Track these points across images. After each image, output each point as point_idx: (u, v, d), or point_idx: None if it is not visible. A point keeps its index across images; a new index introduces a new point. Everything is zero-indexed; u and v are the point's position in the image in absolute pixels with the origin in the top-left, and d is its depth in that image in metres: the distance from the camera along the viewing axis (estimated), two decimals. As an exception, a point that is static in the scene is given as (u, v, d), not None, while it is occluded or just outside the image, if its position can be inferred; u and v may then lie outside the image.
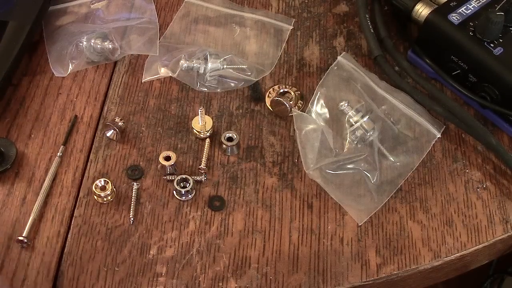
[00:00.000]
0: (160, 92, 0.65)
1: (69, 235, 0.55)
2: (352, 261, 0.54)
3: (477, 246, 0.55)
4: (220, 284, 0.53)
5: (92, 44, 0.65)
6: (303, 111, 0.62)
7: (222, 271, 0.53)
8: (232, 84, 0.65)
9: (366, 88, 0.62)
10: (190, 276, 0.53)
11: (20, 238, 0.54)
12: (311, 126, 0.60)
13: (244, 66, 0.65)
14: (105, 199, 0.57)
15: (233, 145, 0.60)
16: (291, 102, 0.62)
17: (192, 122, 0.61)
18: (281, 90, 0.64)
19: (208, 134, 0.61)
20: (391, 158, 0.59)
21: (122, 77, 0.66)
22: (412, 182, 0.58)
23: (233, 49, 0.68)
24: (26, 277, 0.53)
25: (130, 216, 0.56)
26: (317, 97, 0.62)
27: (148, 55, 0.67)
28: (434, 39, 0.63)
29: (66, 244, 0.55)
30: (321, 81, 0.63)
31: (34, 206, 0.56)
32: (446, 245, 0.55)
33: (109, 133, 0.61)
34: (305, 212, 0.56)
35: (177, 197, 0.57)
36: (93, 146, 0.61)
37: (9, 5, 0.66)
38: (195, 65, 0.64)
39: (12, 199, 0.57)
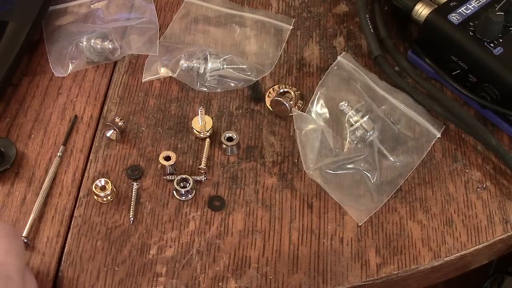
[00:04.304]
0: (160, 92, 0.65)
1: (69, 235, 0.55)
2: (352, 261, 0.54)
3: (477, 246, 0.55)
4: (220, 284, 0.53)
5: (92, 44, 0.65)
6: (303, 111, 0.62)
7: (222, 271, 0.53)
8: (232, 84, 0.65)
9: (366, 88, 0.62)
10: (190, 276, 0.53)
11: (20, 238, 0.54)
12: (311, 126, 0.60)
13: (244, 66, 0.65)
14: (105, 199, 0.57)
15: (233, 145, 0.60)
16: (291, 102, 0.62)
17: (192, 122, 0.61)
18: (281, 90, 0.64)
19: (208, 134, 0.61)
20: (391, 158, 0.59)
21: (122, 77, 0.66)
22: (412, 182, 0.58)
23: (233, 49, 0.68)
24: (26, 277, 0.53)
25: (130, 216, 0.56)
26: (317, 97, 0.62)
27: (148, 55, 0.67)
28: (434, 39, 0.63)
29: (66, 244, 0.55)
30: (321, 81, 0.63)
31: (34, 206, 0.56)
32: (446, 245, 0.55)
33: (109, 133, 0.61)
34: (305, 212, 0.56)
35: (177, 197, 0.57)
36: (93, 146, 0.61)
37: (9, 5, 0.66)
38: (195, 65, 0.64)
39: (12, 199, 0.57)
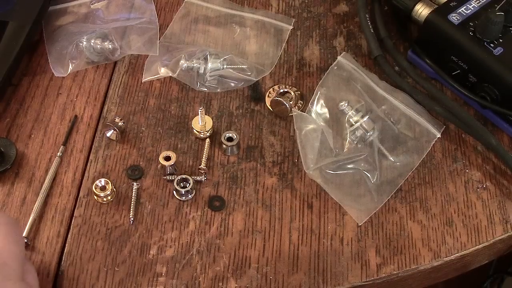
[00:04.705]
0: (160, 92, 0.65)
1: (69, 235, 0.55)
2: (352, 261, 0.54)
3: (477, 246, 0.55)
4: (220, 284, 0.53)
5: (92, 44, 0.65)
6: (303, 111, 0.62)
7: (222, 271, 0.53)
8: (232, 84, 0.65)
9: (366, 88, 0.62)
10: (190, 276, 0.53)
11: (20, 238, 0.54)
12: (311, 126, 0.60)
13: (244, 66, 0.65)
14: (105, 199, 0.57)
15: (233, 145, 0.60)
16: (291, 102, 0.62)
17: (192, 122, 0.61)
18: (281, 90, 0.64)
19: (208, 134, 0.61)
20: (391, 158, 0.59)
21: (122, 77, 0.66)
22: (412, 182, 0.58)
23: (233, 49, 0.68)
24: (26, 277, 0.53)
25: (130, 216, 0.56)
26: (317, 97, 0.62)
27: (148, 55, 0.67)
28: (434, 39, 0.63)
29: (66, 244, 0.55)
30: (321, 81, 0.63)
31: (34, 206, 0.56)
32: (446, 245, 0.55)
33: (109, 133, 0.61)
34: (305, 212, 0.56)
35: (177, 197, 0.57)
36: (93, 146, 0.61)
37: (9, 5, 0.66)
38: (195, 65, 0.64)
39: (12, 199, 0.57)
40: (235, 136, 0.60)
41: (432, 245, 0.55)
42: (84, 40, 0.65)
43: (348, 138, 0.59)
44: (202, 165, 0.59)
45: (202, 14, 0.71)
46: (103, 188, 0.57)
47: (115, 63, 0.67)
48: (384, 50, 0.66)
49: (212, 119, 0.61)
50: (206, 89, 0.65)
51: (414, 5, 0.65)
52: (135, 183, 0.58)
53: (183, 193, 0.57)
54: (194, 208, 0.57)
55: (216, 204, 0.57)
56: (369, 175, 0.58)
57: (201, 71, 0.64)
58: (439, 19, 0.62)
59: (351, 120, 0.60)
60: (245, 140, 0.61)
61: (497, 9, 0.61)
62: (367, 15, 0.67)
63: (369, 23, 0.67)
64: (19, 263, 0.46)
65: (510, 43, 0.60)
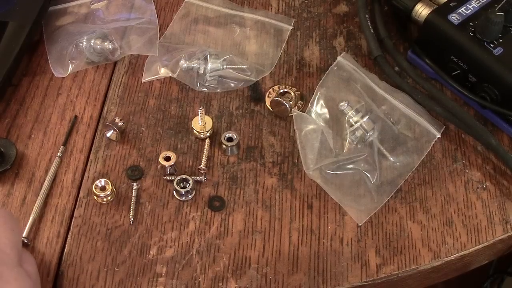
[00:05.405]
0: (160, 92, 0.65)
1: (69, 236, 0.55)
2: (352, 261, 0.54)
3: (477, 246, 0.55)
4: (220, 284, 0.53)
5: (92, 44, 0.65)
6: (303, 111, 0.62)
7: (222, 271, 0.53)
8: (232, 84, 0.65)
9: (366, 88, 0.62)
10: (190, 276, 0.53)
11: (20, 238, 0.54)
12: (311, 127, 0.60)
13: (244, 66, 0.65)
14: (105, 199, 0.57)
15: (233, 145, 0.60)
16: (291, 102, 0.62)
17: (192, 122, 0.61)
18: (281, 90, 0.64)
19: (208, 134, 0.61)
20: (391, 158, 0.59)
21: (122, 77, 0.66)
22: (412, 182, 0.58)
23: (233, 49, 0.68)
24: (26, 278, 0.53)
25: (130, 216, 0.56)
26: (317, 97, 0.62)
27: (148, 55, 0.67)
28: (434, 39, 0.63)
29: (66, 244, 0.55)
30: (321, 81, 0.63)
31: (34, 207, 0.56)
32: (446, 245, 0.55)
33: (109, 134, 0.61)
34: (305, 212, 0.56)
35: (177, 197, 0.57)
36: (93, 146, 0.61)
37: (9, 5, 0.66)
38: (195, 65, 0.64)
39: (12, 199, 0.57)
40: (235, 136, 0.60)
41: (432, 245, 0.55)
42: (84, 40, 0.65)
43: (348, 139, 0.59)
44: (202, 165, 0.59)
45: (202, 14, 0.71)
46: (103, 188, 0.57)
47: (115, 63, 0.67)
48: (384, 50, 0.66)
49: (212, 119, 0.61)
50: (206, 89, 0.65)
51: (414, 5, 0.65)
52: (135, 183, 0.58)
53: (183, 193, 0.57)
54: (194, 208, 0.57)
55: (216, 204, 0.57)
56: (369, 175, 0.58)
57: (201, 71, 0.64)
58: (439, 19, 0.62)
59: (351, 120, 0.60)
60: (245, 140, 0.61)
61: (497, 9, 0.61)
62: (367, 15, 0.67)
63: (369, 23, 0.67)
64: (16, 250, 0.47)
65: (510, 43, 0.60)
